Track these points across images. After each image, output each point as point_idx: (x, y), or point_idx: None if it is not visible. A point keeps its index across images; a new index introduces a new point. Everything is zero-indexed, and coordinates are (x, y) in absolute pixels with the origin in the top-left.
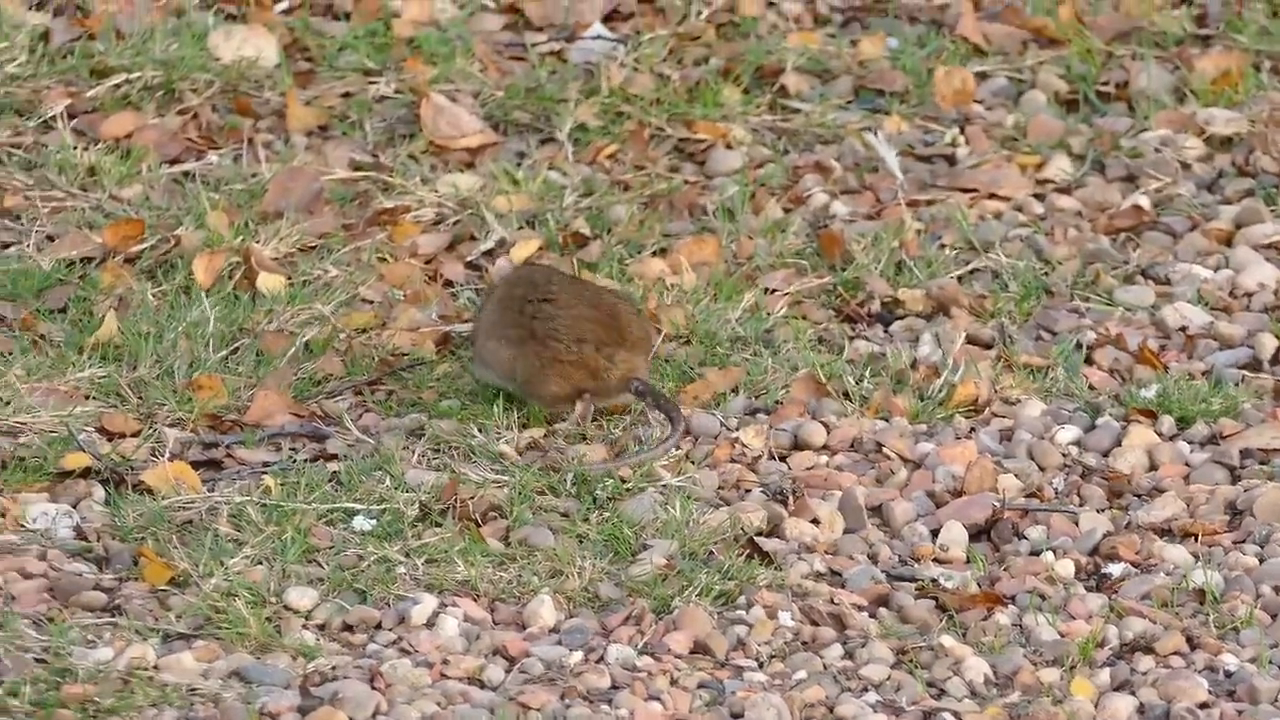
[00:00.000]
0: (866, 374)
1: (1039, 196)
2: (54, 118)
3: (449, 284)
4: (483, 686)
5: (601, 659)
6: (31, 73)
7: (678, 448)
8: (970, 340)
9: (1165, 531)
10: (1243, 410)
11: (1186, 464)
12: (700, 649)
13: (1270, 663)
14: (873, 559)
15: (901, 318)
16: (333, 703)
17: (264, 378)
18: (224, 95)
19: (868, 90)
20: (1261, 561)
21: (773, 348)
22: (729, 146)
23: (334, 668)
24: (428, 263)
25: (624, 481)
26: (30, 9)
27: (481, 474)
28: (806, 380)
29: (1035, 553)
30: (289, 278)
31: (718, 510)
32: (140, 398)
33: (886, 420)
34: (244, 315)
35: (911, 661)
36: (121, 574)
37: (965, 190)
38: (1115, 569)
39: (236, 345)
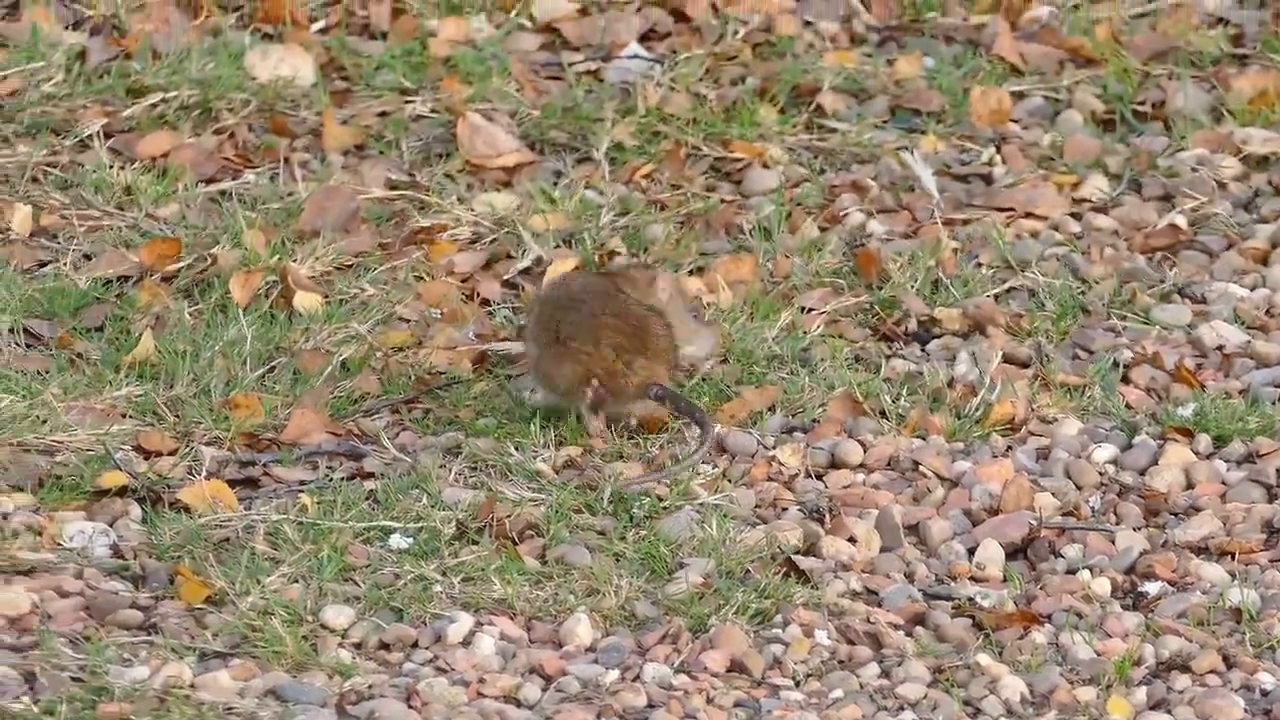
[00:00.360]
0: (903, 392)
1: (1075, 215)
2: (90, 137)
3: (485, 303)
4: (519, 705)
5: (638, 678)
6: (68, 92)
7: (710, 454)
8: (1007, 359)
9: (1202, 550)
10: (1279, 429)
11: (1223, 482)
12: (736, 668)
13: None
14: (909, 577)
15: (938, 336)
16: None
17: (301, 396)
18: (260, 114)
19: (904, 110)
20: None
21: (809, 366)
22: (765, 165)
23: (370, 686)
24: (464, 281)
25: (660, 500)
26: (67, 28)
27: (518, 492)
28: (843, 399)
29: (1072, 571)
30: (325, 296)
31: (754, 529)
32: (177, 416)
33: (923, 439)
34: (281, 334)
35: (948, 680)
36: (158, 592)
37: (1002, 209)
38: (1152, 587)
39: (273, 364)
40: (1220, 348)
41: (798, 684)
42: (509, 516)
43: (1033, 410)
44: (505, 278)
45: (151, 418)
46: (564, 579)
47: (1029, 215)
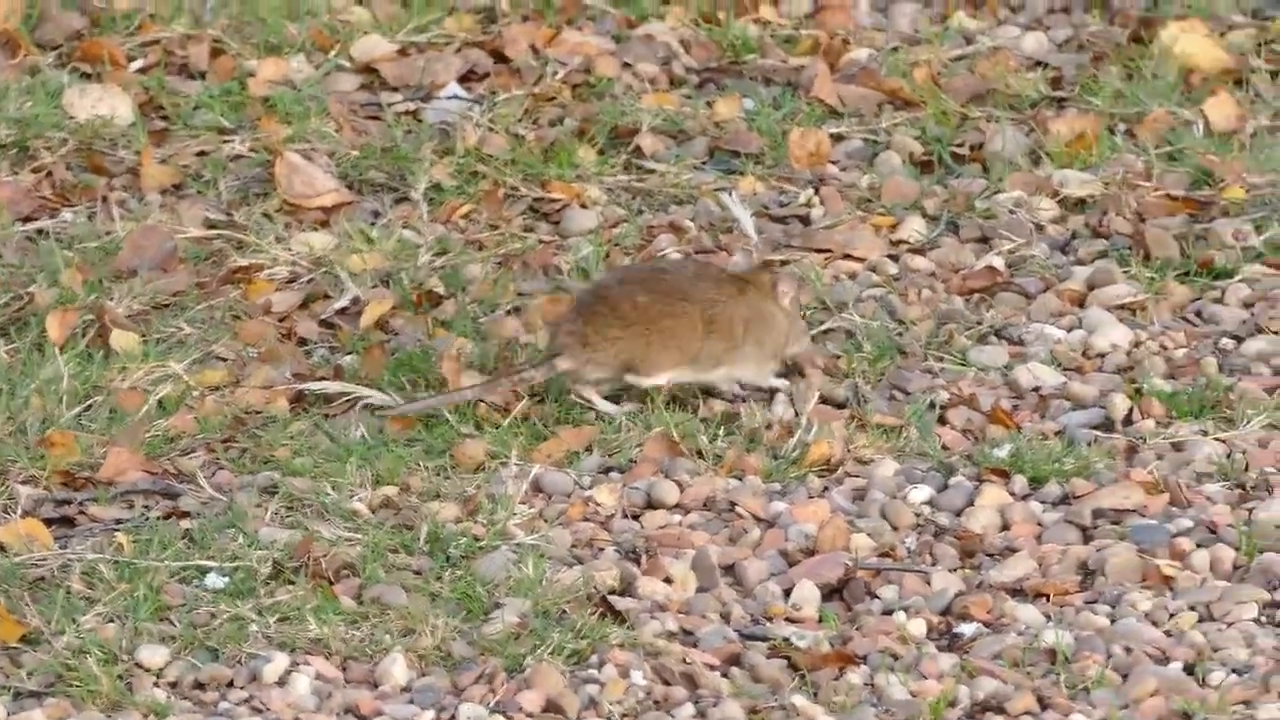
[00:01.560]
0: (720, 433)
1: (893, 257)
2: None
3: (303, 342)
4: None
5: (453, 718)
6: None
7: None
8: (824, 400)
9: (1017, 591)
10: (1095, 470)
11: (1039, 524)
12: (552, 708)
13: None
14: (725, 618)
15: None
16: None
17: (117, 435)
18: (78, 153)
19: (723, 151)
20: (1113, 621)
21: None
22: (584, 206)
23: None
24: (281, 321)
25: (478, 540)
26: None
27: (334, 532)
28: (660, 439)
29: (887, 612)
30: (142, 335)
31: (571, 569)
32: None
33: (740, 479)
34: (97, 373)
35: None
36: None
37: (820, 250)
38: (967, 628)
39: (90, 403)
40: (1036, 389)
41: None
42: (325, 556)
43: (849, 451)
44: (322, 317)
45: None
46: (380, 619)
47: (847, 256)
